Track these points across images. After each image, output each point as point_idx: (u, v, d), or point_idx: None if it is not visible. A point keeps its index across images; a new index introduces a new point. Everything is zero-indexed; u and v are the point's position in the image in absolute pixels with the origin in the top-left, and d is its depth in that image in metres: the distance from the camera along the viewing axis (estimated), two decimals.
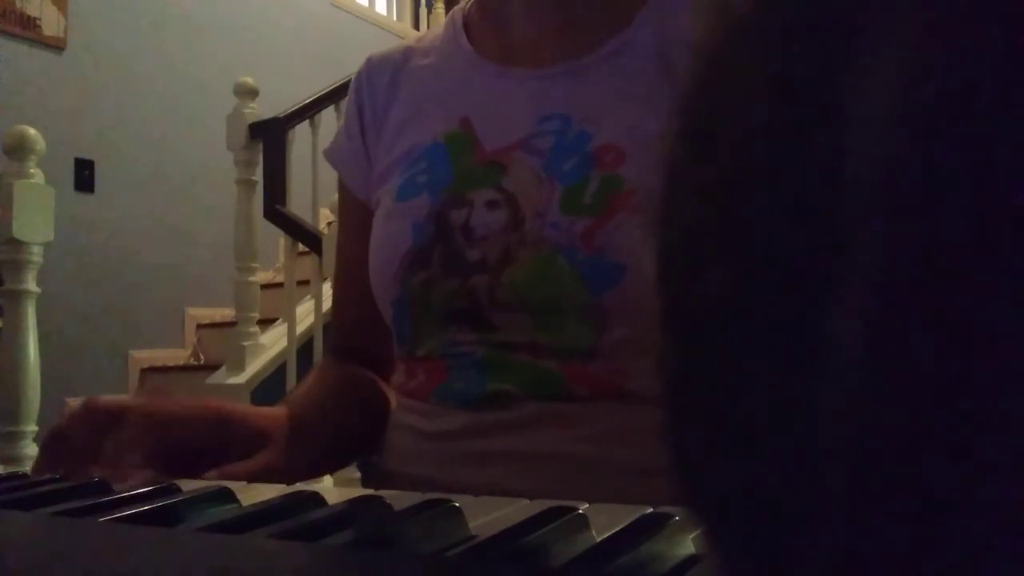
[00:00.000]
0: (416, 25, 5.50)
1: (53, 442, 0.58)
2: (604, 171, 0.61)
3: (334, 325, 0.85)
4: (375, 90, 0.76)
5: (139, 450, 0.55)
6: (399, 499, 0.42)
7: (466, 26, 0.75)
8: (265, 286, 3.20)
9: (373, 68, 0.78)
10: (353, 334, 0.81)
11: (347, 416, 0.73)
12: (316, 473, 0.80)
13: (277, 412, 0.67)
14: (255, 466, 0.59)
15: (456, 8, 0.78)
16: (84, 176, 3.64)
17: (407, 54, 0.77)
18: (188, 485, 0.48)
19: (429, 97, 0.73)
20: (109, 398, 0.59)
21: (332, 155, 0.80)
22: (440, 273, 0.64)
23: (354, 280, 0.75)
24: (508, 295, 0.61)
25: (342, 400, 0.74)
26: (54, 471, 0.55)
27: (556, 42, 0.68)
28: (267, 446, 0.62)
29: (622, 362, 0.58)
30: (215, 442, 0.60)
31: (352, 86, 0.79)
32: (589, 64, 0.66)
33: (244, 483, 0.50)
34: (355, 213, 0.77)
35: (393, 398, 0.75)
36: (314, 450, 0.68)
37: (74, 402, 3.46)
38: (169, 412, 0.59)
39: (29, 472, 0.59)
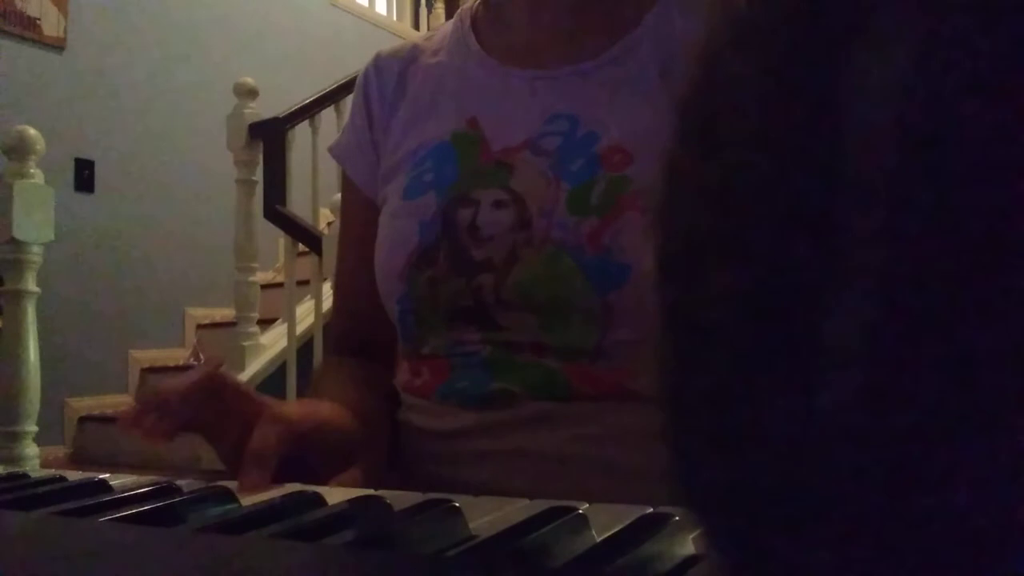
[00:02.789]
0: (416, 25, 5.50)
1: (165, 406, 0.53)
2: (611, 172, 0.61)
3: (338, 319, 0.83)
4: (383, 87, 0.76)
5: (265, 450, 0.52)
6: (399, 499, 0.42)
7: (474, 25, 0.75)
8: (265, 286, 3.20)
9: (382, 65, 0.78)
10: (360, 328, 0.80)
11: (381, 422, 0.72)
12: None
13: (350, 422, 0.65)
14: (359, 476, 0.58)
15: (464, 7, 0.78)
16: (84, 176, 3.63)
17: (415, 52, 0.77)
18: (188, 485, 0.48)
19: (437, 96, 0.73)
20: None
21: (338, 151, 0.80)
22: (446, 272, 0.64)
23: (361, 274, 0.75)
24: (514, 294, 0.61)
25: (375, 406, 0.72)
26: (145, 420, 0.52)
27: (564, 44, 0.69)
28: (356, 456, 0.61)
29: (626, 363, 0.58)
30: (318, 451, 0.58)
31: (359, 82, 0.79)
32: (597, 66, 0.66)
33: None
34: (361, 208, 0.77)
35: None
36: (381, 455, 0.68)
37: (74, 402, 3.46)
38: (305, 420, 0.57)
39: (28, 472, 0.59)
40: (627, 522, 0.36)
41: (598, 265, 0.59)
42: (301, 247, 2.89)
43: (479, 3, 0.76)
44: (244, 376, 2.89)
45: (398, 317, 0.68)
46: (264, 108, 3.01)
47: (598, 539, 0.35)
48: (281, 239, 3.42)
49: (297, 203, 3.01)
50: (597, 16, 0.69)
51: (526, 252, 0.61)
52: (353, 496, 0.44)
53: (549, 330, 0.60)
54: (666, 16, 0.66)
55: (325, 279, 2.76)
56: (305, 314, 3.00)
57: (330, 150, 0.81)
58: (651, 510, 0.38)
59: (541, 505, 0.40)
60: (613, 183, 0.60)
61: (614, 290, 0.58)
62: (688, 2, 0.66)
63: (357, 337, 0.80)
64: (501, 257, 0.62)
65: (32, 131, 2.09)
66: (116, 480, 0.52)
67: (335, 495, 0.44)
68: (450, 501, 0.40)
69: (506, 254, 0.62)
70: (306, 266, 3.00)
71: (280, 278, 3.49)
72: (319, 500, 0.43)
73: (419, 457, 0.67)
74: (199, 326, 4.00)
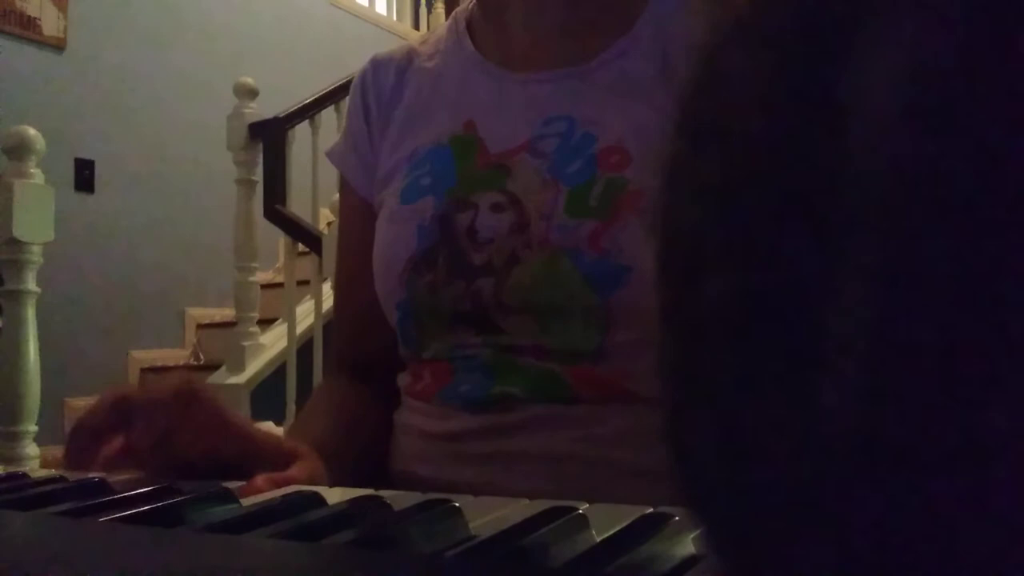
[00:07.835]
0: (416, 25, 5.50)
1: (80, 435, 0.55)
2: (609, 173, 0.61)
3: (337, 332, 0.82)
4: (380, 91, 0.76)
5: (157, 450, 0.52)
6: (399, 499, 0.42)
7: (469, 28, 0.75)
8: (265, 286, 3.20)
9: (378, 68, 0.78)
10: (356, 340, 0.79)
11: (361, 455, 0.70)
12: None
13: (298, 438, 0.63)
14: (301, 474, 0.55)
15: (459, 9, 0.78)
16: (84, 176, 3.63)
17: (411, 55, 0.77)
18: (188, 485, 0.48)
19: (434, 99, 0.73)
20: (138, 391, 0.56)
21: (335, 156, 0.80)
22: (445, 276, 0.64)
23: (357, 283, 0.74)
24: (514, 297, 0.61)
25: (353, 443, 0.70)
26: (81, 464, 0.53)
27: (559, 46, 0.69)
28: (295, 462, 0.60)
29: (627, 364, 0.58)
30: (234, 456, 0.57)
31: (355, 86, 0.79)
32: (593, 67, 0.66)
33: (244, 484, 0.50)
34: (358, 213, 0.77)
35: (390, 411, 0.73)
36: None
37: (74, 402, 3.46)
38: (199, 423, 0.55)
39: (28, 472, 0.58)
40: (627, 522, 0.36)
41: (597, 267, 0.58)
42: (301, 247, 2.89)
43: (474, 6, 0.76)
44: (244, 376, 2.89)
45: (398, 322, 0.68)
46: (264, 108, 3.01)
47: (598, 539, 0.35)
48: (281, 239, 3.41)
49: (297, 203, 3.01)
50: (594, 17, 0.69)
51: (525, 255, 0.61)
52: (353, 496, 0.44)
53: (549, 333, 0.60)
54: (663, 15, 0.66)
55: (325, 279, 2.76)
56: (305, 314, 3.00)
57: (328, 154, 0.81)
58: (651, 510, 0.38)
59: (541, 505, 0.40)
60: (611, 184, 0.60)
61: (614, 292, 0.58)
62: (685, 1, 0.66)
63: (357, 348, 0.79)
64: (500, 260, 0.62)
65: (32, 131, 2.09)
66: (116, 480, 0.52)
67: (335, 495, 0.44)
68: (450, 501, 0.40)
69: (505, 257, 0.62)
70: (306, 266, 3.00)
71: (280, 278, 3.48)
72: (319, 500, 0.43)
73: (421, 458, 0.66)
74: (199, 326, 4.00)
